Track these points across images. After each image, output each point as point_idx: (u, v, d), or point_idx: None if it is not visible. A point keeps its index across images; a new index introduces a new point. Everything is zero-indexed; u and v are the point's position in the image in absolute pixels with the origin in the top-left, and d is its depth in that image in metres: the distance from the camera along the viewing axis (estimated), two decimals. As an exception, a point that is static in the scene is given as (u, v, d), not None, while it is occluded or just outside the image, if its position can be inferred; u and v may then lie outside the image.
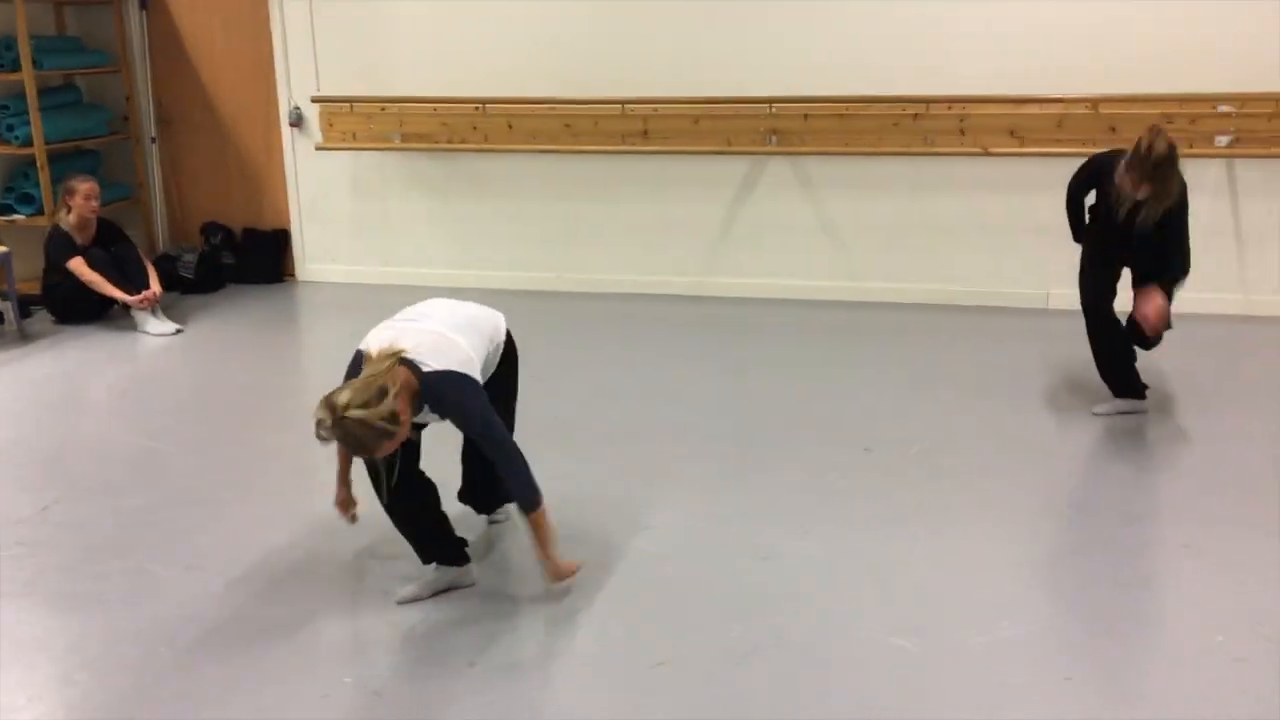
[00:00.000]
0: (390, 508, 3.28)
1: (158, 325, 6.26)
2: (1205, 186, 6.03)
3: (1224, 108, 5.85)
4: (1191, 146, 5.74)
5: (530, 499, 3.17)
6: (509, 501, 3.75)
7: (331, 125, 6.95)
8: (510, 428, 3.48)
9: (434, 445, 3.39)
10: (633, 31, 6.51)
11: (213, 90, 7.41)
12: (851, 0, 6.24)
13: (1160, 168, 4.23)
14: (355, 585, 3.47)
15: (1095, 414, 4.75)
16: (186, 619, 3.27)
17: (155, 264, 6.64)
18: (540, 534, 3.23)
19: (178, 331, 6.26)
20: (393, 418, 2.85)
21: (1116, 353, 4.73)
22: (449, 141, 6.83)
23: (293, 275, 7.54)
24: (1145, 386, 4.77)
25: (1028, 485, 4.13)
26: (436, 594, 3.37)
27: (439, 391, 3.04)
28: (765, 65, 6.39)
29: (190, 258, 7.23)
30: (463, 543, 3.44)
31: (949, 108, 6.19)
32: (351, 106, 6.86)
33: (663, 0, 6.44)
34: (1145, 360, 4.80)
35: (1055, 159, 5.88)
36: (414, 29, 6.83)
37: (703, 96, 6.40)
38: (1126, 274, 4.69)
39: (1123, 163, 4.35)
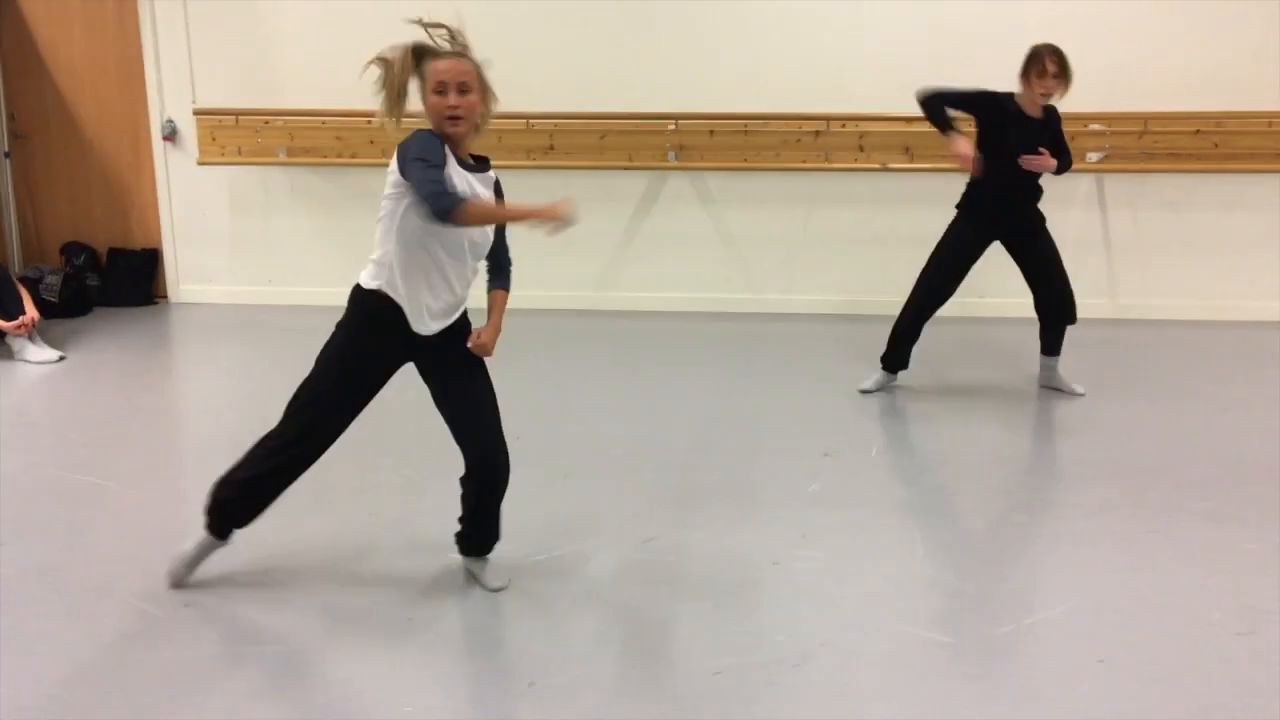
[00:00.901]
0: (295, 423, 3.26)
1: (38, 352, 5.84)
2: (1077, 199, 6.50)
3: (1095, 126, 6.31)
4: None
5: (443, 206, 2.89)
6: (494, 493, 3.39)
7: (214, 139, 6.64)
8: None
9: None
10: (538, 46, 6.50)
11: (73, 101, 6.96)
12: (755, 20, 6.42)
13: (1060, 51, 4.87)
14: (379, 610, 3.34)
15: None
16: (206, 662, 3.08)
17: (16, 286, 6.20)
18: (502, 212, 3.14)
19: (61, 359, 5.85)
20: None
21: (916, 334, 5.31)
22: (339, 156, 6.63)
23: (164, 297, 7.16)
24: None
25: (992, 480, 4.35)
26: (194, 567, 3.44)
27: None
28: (670, 82, 6.50)
29: (53, 279, 6.77)
30: (244, 519, 3.42)
31: (844, 125, 6.45)
32: (237, 119, 6.58)
33: (567, 15, 6.46)
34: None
35: (945, 174, 6.20)
36: (300, 35, 6.61)
37: (609, 112, 6.45)
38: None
39: (1031, 75, 4.92)
